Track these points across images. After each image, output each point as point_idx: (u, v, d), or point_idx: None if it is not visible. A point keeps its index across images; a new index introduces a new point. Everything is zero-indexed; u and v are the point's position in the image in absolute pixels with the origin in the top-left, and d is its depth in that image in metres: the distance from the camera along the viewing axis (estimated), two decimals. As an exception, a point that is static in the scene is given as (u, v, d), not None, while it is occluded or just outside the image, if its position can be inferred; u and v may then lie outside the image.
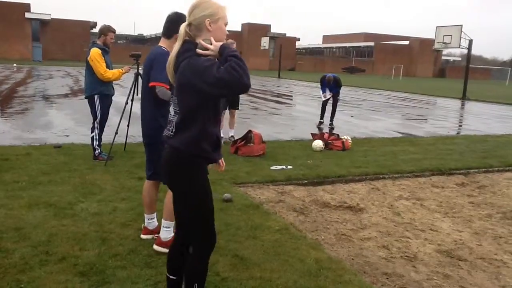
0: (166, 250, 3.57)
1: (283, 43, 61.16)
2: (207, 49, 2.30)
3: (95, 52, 6.37)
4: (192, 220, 2.47)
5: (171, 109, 2.63)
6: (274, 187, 5.78)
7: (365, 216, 4.94)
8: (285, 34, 72.22)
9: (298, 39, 79.26)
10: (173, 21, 3.60)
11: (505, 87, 50.41)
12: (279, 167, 6.61)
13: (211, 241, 2.55)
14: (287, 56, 68.28)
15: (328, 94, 12.07)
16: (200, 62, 2.24)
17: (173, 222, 3.73)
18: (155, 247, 3.72)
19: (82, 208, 4.56)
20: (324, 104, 12.37)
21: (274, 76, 47.33)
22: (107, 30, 6.55)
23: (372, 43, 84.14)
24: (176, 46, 2.40)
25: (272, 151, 7.77)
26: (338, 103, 12.42)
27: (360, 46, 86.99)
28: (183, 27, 2.40)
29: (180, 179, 2.42)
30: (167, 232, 3.73)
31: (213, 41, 2.31)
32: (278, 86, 31.29)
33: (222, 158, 2.68)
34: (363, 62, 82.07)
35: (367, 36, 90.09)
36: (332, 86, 11.97)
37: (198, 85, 2.21)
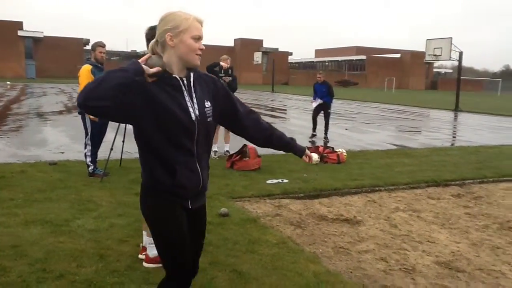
0: (158, 265, 3.56)
1: (276, 57, 61.58)
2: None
3: (83, 69, 6.40)
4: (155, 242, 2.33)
5: None
6: (271, 201, 5.77)
7: (362, 228, 4.94)
8: (278, 48, 72.73)
9: (291, 54, 79.82)
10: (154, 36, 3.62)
11: (496, 98, 50.88)
12: (275, 180, 6.62)
13: (173, 275, 2.35)
14: (280, 70, 68.70)
15: (318, 101, 11.75)
16: None
17: None
18: (145, 264, 3.69)
19: (78, 224, 4.53)
20: (315, 116, 12.29)
21: (268, 91, 47.56)
22: (95, 45, 6.58)
23: (364, 57, 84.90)
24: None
25: (268, 165, 7.78)
26: (331, 116, 12.31)
27: (352, 60, 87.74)
28: (151, 45, 2.23)
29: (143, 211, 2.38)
30: (153, 248, 3.70)
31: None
32: (272, 100, 31.42)
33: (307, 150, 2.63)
34: (355, 75, 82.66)
35: (359, 50, 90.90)
36: (322, 89, 11.60)
37: None
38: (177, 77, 2.17)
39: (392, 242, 4.55)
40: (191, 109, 2.17)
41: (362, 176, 7.23)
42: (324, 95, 11.63)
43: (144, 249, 3.86)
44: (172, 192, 2.20)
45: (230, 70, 8.63)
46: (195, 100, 2.19)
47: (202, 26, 2.21)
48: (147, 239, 3.82)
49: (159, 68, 2.09)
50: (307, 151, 2.61)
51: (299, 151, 2.59)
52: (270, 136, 2.50)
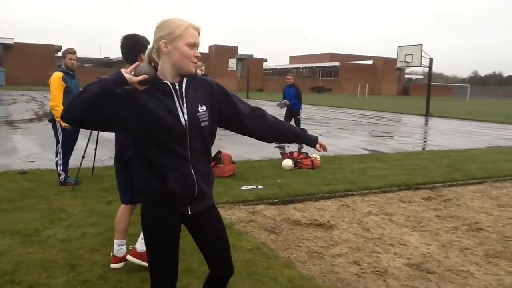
0: (142, 263, 3.61)
1: (251, 64, 61.75)
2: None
3: (54, 76, 6.32)
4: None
5: None
6: (245, 207, 5.78)
7: (335, 232, 4.99)
8: (252, 55, 72.97)
9: (265, 60, 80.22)
10: (132, 45, 3.60)
11: (465, 103, 52.16)
12: (249, 187, 6.63)
13: (155, 276, 2.34)
14: (255, 77, 68.92)
15: (284, 102, 10.94)
16: None
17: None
18: (129, 257, 3.71)
19: (49, 234, 4.45)
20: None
21: (243, 97, 47.38)
22: (66, 52, 6.50)
23: (337, 63, 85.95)
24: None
25: (242, 171, 7.79)
26: (302, 122, 11.98)
27: (326, 66, 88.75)
28: (147, 52, 2.25)
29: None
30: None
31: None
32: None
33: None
34: (329, 81, 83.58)
35: (332, 56, 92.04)
36: (291, 91, 10.96)
37: None
38: (168, 83, 2.17)
39: (364, 246, 4.61)
40: (181, 114, 2.16)
41: (335, 181, 7.31)
42: (292, 98, 11.18)
43: (116, 258, 3.82)
44: (163, 197, 2.20)
45: (205, 77, 8.62)
46: (184, 105, 2.18)
47: (199, 33, 2.21)
48: (117, 248, 3.78)
49: (145, 76, 2.10)
50: (320, 140, 2.53)
51: (311, 141, 2.53)
52: (278, 131, 2.47)
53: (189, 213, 2.28)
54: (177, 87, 2.19)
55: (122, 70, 2.09)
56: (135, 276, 3.58)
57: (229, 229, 4.76)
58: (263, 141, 2.54)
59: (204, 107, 2.23)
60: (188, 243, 4.30)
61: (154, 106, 2.11)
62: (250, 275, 3.70)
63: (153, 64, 2.24)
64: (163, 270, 2.32)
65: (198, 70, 8.50)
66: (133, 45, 3.62)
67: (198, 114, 2.20)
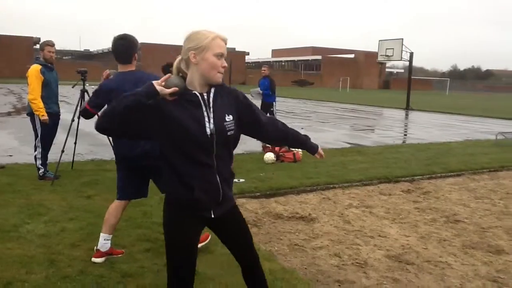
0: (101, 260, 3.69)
1: (233, 57, 61.54)
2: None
3: (32, 69, 6.21)
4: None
5: None
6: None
7: (317, 225, 5.04)
8: (235, 48, 72.72)
9: (248, 53, 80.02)
10: (127, 47, 3.70)
11: (445, 97, 52.91)
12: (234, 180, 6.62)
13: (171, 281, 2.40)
14: (238, 70, 68.73)
15: (257, 91, 10.60)
16: None
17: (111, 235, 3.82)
18: (98, 260, 3.71)
19: (28, 230, 4.39)
20: None
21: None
22: (44, 44, 6.38)
23: (319, 57, 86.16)
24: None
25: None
26: (278, 115, 11.61)
27: (308, 60, 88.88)
28: (176, 63, 2.31)
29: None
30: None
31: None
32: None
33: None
34: (311, 75, 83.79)
35: (314, 50, 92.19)
36: (265, 82, 10.58)
37: None
38: (196, 93, 2.24)
39: (345, 238, 4.66)
40: (207, 124, 2.22)
41: (317, 175, 7.36)
42: (266, 89, 10.69)
43: (99, 252, 3.79)
44: (188, 205, 2.28)
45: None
46: (211, 115, 2.24)
47: (226, 44, 2.29)
48: (103, 242, 3.76)
49: (176, 88, 2.15)
50: (320, 150, 2.76)
51: (312, 149, 2.76)
52: (286, 136, 2.64)
53: (212, 216, 2.36)
54: (205, 97, 2.26)
55: (154, 83, 2.14)
56: (116, 271, 3.57)
57: (210, 222, 4.79)
58: (268, 143, 2.71)
59: (231, 117, 2.31)
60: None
61: (181, 117, 2.19)
62: (231, 269, 3.70)
63: (181, 74, 2.30)
64: (184, 272, 2.38)
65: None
66: (127, 47, 3.70)
67: (225, 123, 2.28)
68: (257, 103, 10.81)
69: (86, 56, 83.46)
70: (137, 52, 3.84)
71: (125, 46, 3.70)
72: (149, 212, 5.00)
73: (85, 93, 6.65)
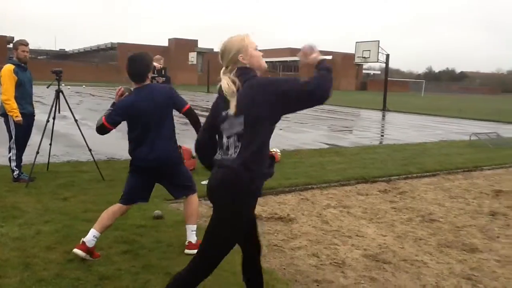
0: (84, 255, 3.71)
1: (211, 58, 61.25)
2: (309, 54, 2.79)
3: (5, 69, 6.09)
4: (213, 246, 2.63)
5: (225, 138, 2.59)
6: (206, 202, 5.74)
7: (295, 226, 5.06)
8: (213, 49, 72.48)
9: (226, 54, 79.73)
10: (142, 68, 3.88)
11: (421, 98, 53.75)
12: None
13: (208, 270, 2.67)
14: (216, 70, 68.04)
15: None
16: (275, 79, 2.54)
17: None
18: (79, 252, 3.71)
19: (2, 233, 4.30)
20: None
21: (203, 91, 47.31)
22: (17, 43, 6.26)
23: (298, 58, 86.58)
24: (227, 78, 2.54)
25: (203, 166, 7.73)
26: None
27: (286, 61, 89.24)
28: (222, 71, 2.59)
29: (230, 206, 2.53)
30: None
31: (315, 49, 2.76)
32: (207, 101, 31.31)
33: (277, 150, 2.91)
34: (290, 76, 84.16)
35: (293, 51, 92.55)
36: None
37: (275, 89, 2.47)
38: None
39: (323, 238, 4.70)
40: None
41: (296, 175, 7.40)
42: None
43: (84, 245, 3.74)
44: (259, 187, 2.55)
45: (163, 71, 8.52)
46: None
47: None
48: (91, 238, 3.78)
49: None
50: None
51: None
52: None
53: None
54: None
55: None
56: (93, 274, 3.52)
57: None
58: None
59: None
60: (148, 239, 4.27)
61: None
62: (210, 270, 3.70)
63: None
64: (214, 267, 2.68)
65: (156, 64, 8.39)
66: (141, 69, 3.88)
67: None
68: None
69: (61, 56, 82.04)
70: (151, 69, 4.04)
71: (138, 67, 3.88)
72: (126, 214, 4.93)
73: (60, 94, 6.55)
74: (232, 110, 2.48)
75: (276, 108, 2.46)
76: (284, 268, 3.91)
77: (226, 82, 2.51)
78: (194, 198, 4.18)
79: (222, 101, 2.58)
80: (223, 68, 2.59)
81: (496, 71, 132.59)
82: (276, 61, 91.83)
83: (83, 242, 3.74)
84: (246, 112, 2.44)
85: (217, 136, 2.68)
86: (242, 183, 2.45)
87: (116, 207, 3.93)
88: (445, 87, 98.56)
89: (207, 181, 2.68)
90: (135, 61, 3.86)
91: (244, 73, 2.53)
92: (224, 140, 2.56)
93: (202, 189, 6.19)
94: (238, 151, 2.46)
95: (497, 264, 4.15)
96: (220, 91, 2.57)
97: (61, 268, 3.61)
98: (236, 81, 2.49)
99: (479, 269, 4.03)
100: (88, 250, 3.74)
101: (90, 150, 6.84)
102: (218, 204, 2.54)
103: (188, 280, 2.60)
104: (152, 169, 3.90)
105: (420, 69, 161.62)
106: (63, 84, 6.58)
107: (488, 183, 7.62)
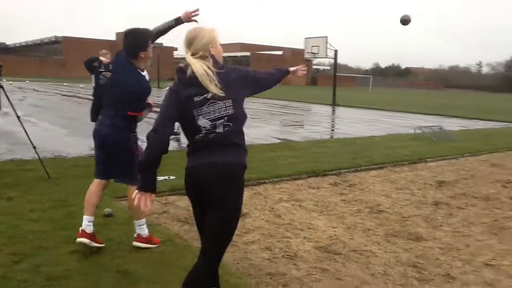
0: (98, 244, 3.85)
1: (161, 53, 60.41)
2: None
3: None
4: (230, 238, 2.64)
5: (204, 121, 2.53)
6: (158, 198, 5.70)
7: (248, 220, 5.10)
8: (162, 43, 71.36)
9: (176, 49, 78.87)
10: (135, 43, 3.82)
11: (368, 93, 55.30)
12: (161, 178, 6.54)
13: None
14: (166, 66, 67.61)
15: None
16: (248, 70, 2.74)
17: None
18: (83, 240, 3.78)
19: None
20: None
21: (153, 86, 46.41)
22: None
23: (248, 53, 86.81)
24: (201, 63, 2.50)
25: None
26: None
27: (237, 56, 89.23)
28: (189, 57, 2.56)
29: (240, 196, 2.61)
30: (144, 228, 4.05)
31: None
32: (158, 96, 30.84)
33: None
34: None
35: (243, 46, 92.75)
36: None
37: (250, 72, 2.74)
38: None
39: (276, 231, 4.76)
40: None
41: (248, 170, 7.35)
42: None
43: (84, 232, 3.80)
44: None
45: (110, 65, 8.30)
46: None
47: None
48: (86, 224, 3.84)
49: None
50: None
51: None
52: None
53: None
54: None
55: None
56: (41, 275, 3.41)
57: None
58: None
59: None
60: (98, 237, 4.17)
61: None
62: (163, 267, 3.68)
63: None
64: None
65: (103, 58, 8.17)
66: (135, 44, 3.83)
67: None
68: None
69: (2, 49, 78.23)
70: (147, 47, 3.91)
71: (131, 43, 3.85)
72: (74, 213, 4.80)
73: (1, 89, 6.27)
74: (216, 93, 2.47)
75: (249, 91, 2.74)
76: (238, 263, 3.93)
77: (202, 67, 2.47)
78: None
79: (186, 88, 2.51)
80: (189, 55, 2.57)
81: (438, 67, 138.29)
82: (226, 56, 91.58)
83: (82, 230, 3.81)
84: (234, 96, 2.55)
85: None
86: (242, 176, 2.66)
87: (93, 184, 3.96)
88: (391, 82, 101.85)
89: (190, 173, 2.62)
90: (128, 34, 3.85)
91: (216, 63, 2.56)
92: (205, 123, 2.51)
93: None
94: (230, 131, 2.56)
95: (440, 252, 4.35)
96: (185, 77, 2.51)
97: (7, 270, 3.46)
98: (210, 67, 2.50)
99: (423, 256, 4.21)
100: (90, 237, 3.81)
101: (34, 147, 6.60)
102: (229, 190, 2.55)
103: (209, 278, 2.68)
104: (102, 144, 3.90)
105: (367, 65, 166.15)
106: (4, 80, 6.30)
107: (431, 174, 7.96)
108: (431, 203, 6.04)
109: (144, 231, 4.05)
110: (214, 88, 2.47)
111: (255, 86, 2.79)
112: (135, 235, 4.06)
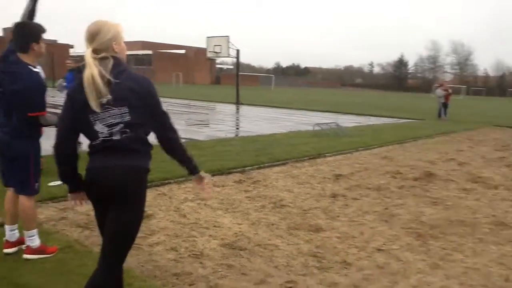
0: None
1: (55, 50, 56.95)
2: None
3: None
4: (132, 241, 2.55)
5: (101, 127, 2.36)
6: (55, 204, 5.41)
7: (153, 222, 5.01)
8: (56, 40, 67.36)
9: (72, 46, 74.79)
10: (26, 33, 3.60)
11: (271, 92, 56.71)
12: (58, 182, 6.19)
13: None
14: (61, 64, 63.91)
15: (61, 84, 10.55)
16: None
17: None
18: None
19: None
20: None
21: (48, 86, 43.67)
22: None
23: (150, 52, 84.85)
24: (94, 68, 2.31)
25: (50, 166, 7.20)
26: None
27: (138, 54, 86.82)
28: (89, 55, 2.35)
29: (141, 198, 2.55)
30: (35, 239, 3.85)
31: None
32: (53, 96, 29.07)
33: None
34: (143, 70, 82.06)
35: (144, 44, 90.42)
36: (70, 76, 10.20)
37: (156, 97, 2.56)
38: None
39: (181, 231, 4.74)
40: None
41: (152, 170, 7.25)
42: (70, 82, 10.38)
43: (8, 242, 3.81)
44: None
45: None
46: None
47: None
48: (9, 233, 3.81)
49: None
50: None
51: None
52: None
53: None
54: None
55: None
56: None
57: (38, 229, 4.41)
58: None
59: None
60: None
61: None
62: (62, 276, 3.50)
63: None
64: None
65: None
66: (25, 35, 3.60)
67: None
68: (63, 96, 10.42)
69: None
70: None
71: (21, 34, 3.64)
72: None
73: None
74: (110, 100, 2.35)
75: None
76: (142, 265, 3.86)
77: (92, 74, 2.30)
78: (24, 200, 3.81)
79: (83, 90, 2.33)
80: (90, 52, 2.37)
81: (335, 67, 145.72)
82: (127, 54, 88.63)
83: (6, 240, 3.84)
84: (130, 103, 2.41)
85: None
86: (144, 180, 2.65)
87: (8, 194, 3.85)
88: (292, 81, 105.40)
89: (90, 173, 2.50)
90: (18, 26, 3.66)
91: (117, 65, 2.41)
92: (102, 129, 2.41)
93: (51, 190, 5.79)
94: (128, 137, 2.46)
95: (338, 241, 4.62)
96: (81, 82, 2.34)
97: None
98: (103, 72, 2.33)
99: (323, 246, 4.45)
100: (17, 243, 3.86)
101: None
102: (131, 192, 2.48)
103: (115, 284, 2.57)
104: None
105: (269, 64, 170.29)
106: None
107: (330, 168, 8.40)
108: (329, 196, 6.38)
109: (35, 242, 3.82)
110: (94, 102, 2.31)
111: (150, 115, 2.58)
112: (23, 247, 3.82)
